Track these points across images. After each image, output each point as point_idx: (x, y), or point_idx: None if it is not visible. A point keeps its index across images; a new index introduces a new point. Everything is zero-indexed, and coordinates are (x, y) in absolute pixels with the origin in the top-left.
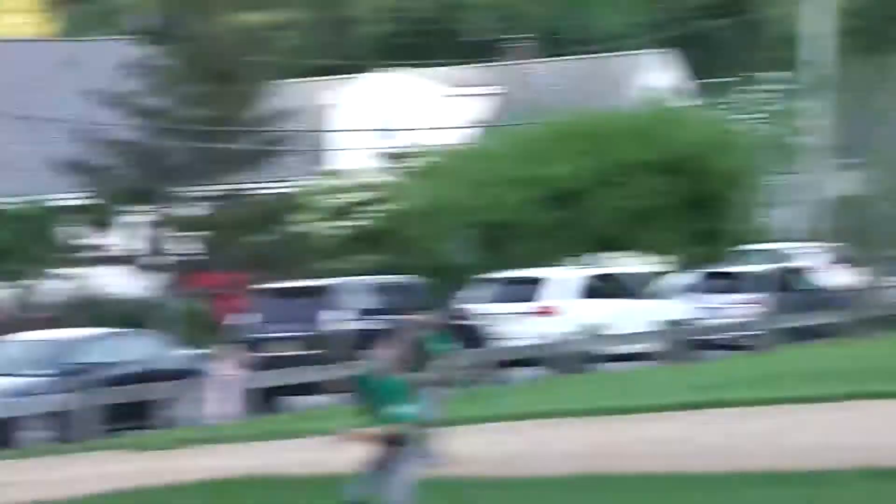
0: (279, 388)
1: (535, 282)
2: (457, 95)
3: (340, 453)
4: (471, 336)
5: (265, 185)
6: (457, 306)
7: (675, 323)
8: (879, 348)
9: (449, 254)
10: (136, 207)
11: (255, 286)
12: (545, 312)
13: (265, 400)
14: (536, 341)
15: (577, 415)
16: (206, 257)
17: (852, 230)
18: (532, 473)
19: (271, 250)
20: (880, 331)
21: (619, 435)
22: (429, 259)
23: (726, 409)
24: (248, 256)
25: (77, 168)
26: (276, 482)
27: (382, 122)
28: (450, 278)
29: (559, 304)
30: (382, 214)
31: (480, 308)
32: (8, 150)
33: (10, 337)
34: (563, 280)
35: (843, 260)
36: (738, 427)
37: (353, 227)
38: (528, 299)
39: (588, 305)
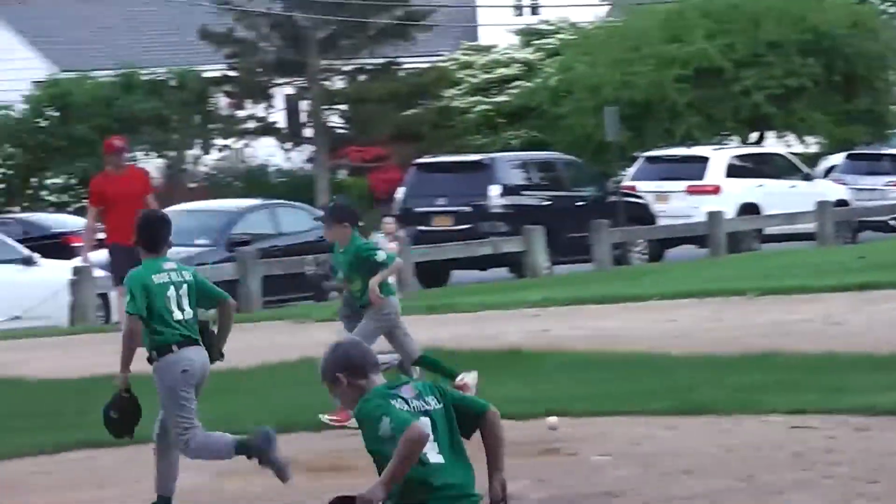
0: (434, 262)
1: (695, 160)
2: None
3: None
4: (638, 213)
5: (413, 60)
6: (620, 183)
7: (832, 203)
8: None
9: (593, 131)
10: (286, 80)
11: (409, 160)
12: (707, 191)
13: (423, 274)
14: (698, 220)
15: (737, 293)
16: (356, 130)
17: None
18: (700, 351)
19: (420, 124)
20: None
21: (781, 315)
22: (574, 136)
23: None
24: (397, 130)
25: (226, 39)
26: (439, 354)
27: None
28: (598, 156)
29: (720, 183)
30: (526, 91)
31: (642, 186)
32: (160, 21)
33: (172, 208)
34: (722, 159)
35: None
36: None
37: (498, 102)
38: (689, 178)
39: (746, 185)
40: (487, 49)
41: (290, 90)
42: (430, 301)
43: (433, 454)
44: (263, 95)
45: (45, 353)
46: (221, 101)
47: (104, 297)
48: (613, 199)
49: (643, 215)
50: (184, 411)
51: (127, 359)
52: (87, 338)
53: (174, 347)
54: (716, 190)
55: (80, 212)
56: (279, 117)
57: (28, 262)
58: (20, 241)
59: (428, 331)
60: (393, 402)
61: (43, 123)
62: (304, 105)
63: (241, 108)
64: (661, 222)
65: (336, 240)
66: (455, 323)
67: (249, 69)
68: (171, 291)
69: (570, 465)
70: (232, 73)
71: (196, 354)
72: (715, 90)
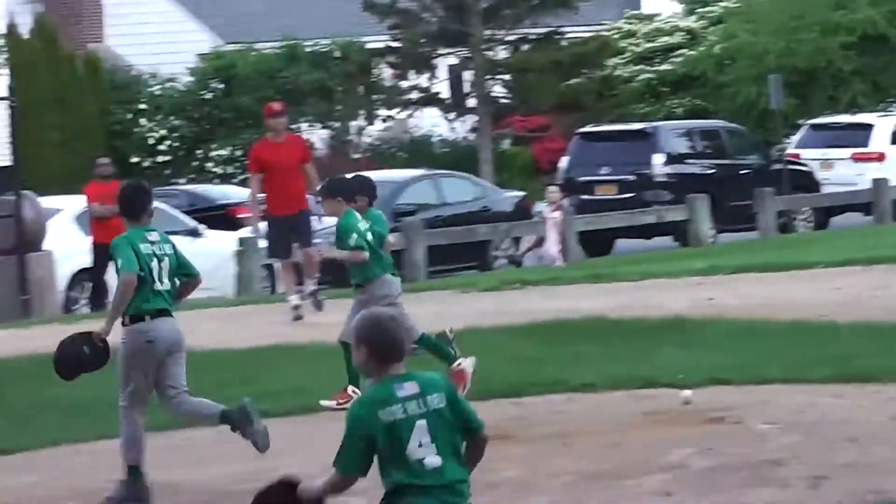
0: (598, 231)
1: (859, 127)
2: None
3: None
4: (803, 181)
5: (575, 29)
6: (784, 151)
7: None
8: None
9: (756, 99)
10: (449, 50)
11: (572, 129)
12: (872, 158)
13: (586, 243)
14: (863, 187)
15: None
16: (519, 100)
17: None
18: (865, 319)
19: (582, 94)
20: None
21: None
22: (738, 104)
23: None
24: (560, 100)
25: (389, 10)
26: (603, 323)
27: None
28: (762, 123)
29: (885, 150)
30: (689, 59)
31: (806, 153)
32: None
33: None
34: (887, 126)
35: None
36: None
37: (661, 71)
38: (853, 145)
39: None
40: (650, 18)
41: (453, 60)
42: (593, 270)
43: (430, 456)
44: (427, 66)
45: (211, 323)
46: (385, 72)
47: (269, 267)
48: (777, 166)
49: (807, 183)
50: (129, 381)
51: (117, 312)
52: (253, 308)
53: (147, 317)
54: (881, 157)
55: (244, 183)
56: (442, 87)
57: (194, 233)
58: (186, 213)
59: (592, 300)
60: (380, 412)
61: (208, 96)
62: (467, 75)
63: (404, 78)
64: (826, 190)
65: (331, 214)
66: (619, 292)
67: (413, 40)
68: (154, 263)
69: (735, 434)
70: (395, 44)
71: (166, 326)
72: (880, 57)
